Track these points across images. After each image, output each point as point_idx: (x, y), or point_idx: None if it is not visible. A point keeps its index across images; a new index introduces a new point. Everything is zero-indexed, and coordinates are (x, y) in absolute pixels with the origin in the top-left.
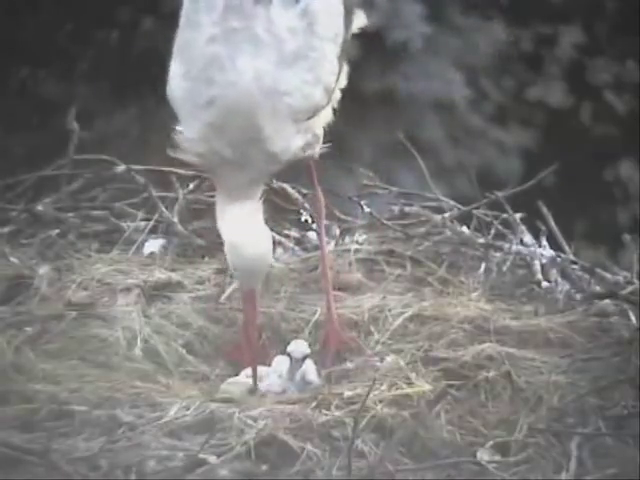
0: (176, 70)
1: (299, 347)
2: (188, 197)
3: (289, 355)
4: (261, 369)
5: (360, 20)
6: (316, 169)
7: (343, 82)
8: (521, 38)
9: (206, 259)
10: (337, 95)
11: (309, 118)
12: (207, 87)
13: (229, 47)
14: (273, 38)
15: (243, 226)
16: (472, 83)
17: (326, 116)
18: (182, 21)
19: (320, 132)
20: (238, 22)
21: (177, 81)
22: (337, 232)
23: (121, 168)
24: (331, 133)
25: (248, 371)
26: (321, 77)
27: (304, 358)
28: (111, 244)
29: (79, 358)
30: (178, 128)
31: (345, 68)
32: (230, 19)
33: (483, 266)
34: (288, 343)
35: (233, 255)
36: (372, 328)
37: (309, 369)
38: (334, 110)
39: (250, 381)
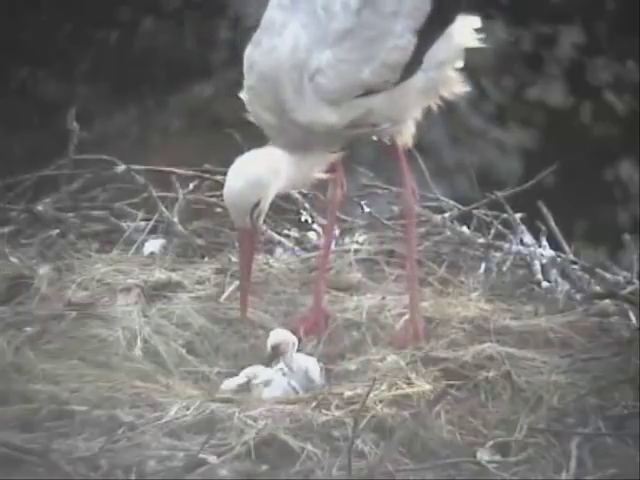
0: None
1: (274, 338)
2: (188, 197)
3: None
4: (260, 368)
5: None
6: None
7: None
8: (521, 38)
9: (206, 259)
10: (436, 75)
11: (361, 95)
12: (253, 49)
13: (288, 16)
14: (326, 14)
15: (243, 161)
16: (472, 83)
17: (400, 98)
18: None
19: (391, 113)
20: None
21: (250, 42)
22: (337, 232)
23: (121, 168)
24: None
25: (248, 371)
26: (377, 55)
27: (275, 348)
28: (111, 244)
29: (79, 358)
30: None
31: (456, 47)
32: None
33: (483, 266)
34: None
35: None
36: (372, 328)
37: (312, 368)
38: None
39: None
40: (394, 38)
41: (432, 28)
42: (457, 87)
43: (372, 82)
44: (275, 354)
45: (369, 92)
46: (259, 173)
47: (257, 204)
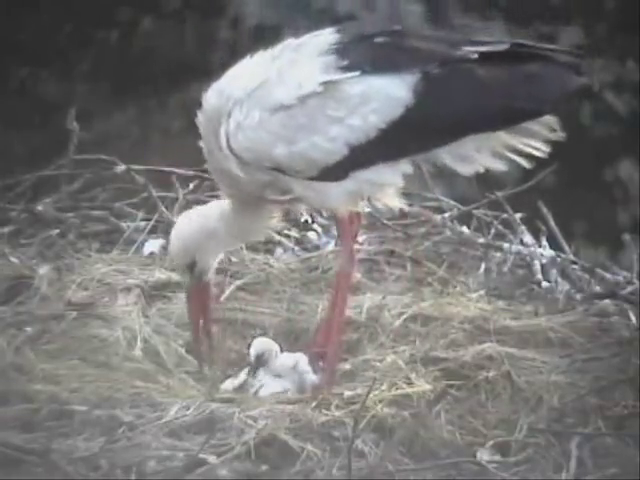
0: None
1: (257, 347)
2: (188, 197)
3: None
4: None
5: None
6: None
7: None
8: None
9: None
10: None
11: (274, 169)
12: (213, 85)
13: (253, 64)
14: (278, 79)
15: (179, 221)
16: None
17: (319, 191)
18: None
19: (308, 199)
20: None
21: None
22: (337, 232)
23: (121, 168)
24: None
25: (248, 371)
26: (297, 142)
27: (259, 357)
28: (111, 244)
29: (79, 358)
30: None
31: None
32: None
33: (483, 266)
34: (288, 343)
35: None
36: (372, 328)
37: (303, 367)
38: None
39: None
40: (322, 139)
41: (369, 156)
42: (392, 202)
43: (283, 163)
44: (259, 363)
45: (282, 171)
46: (187, 237)
47: (193, 264)
